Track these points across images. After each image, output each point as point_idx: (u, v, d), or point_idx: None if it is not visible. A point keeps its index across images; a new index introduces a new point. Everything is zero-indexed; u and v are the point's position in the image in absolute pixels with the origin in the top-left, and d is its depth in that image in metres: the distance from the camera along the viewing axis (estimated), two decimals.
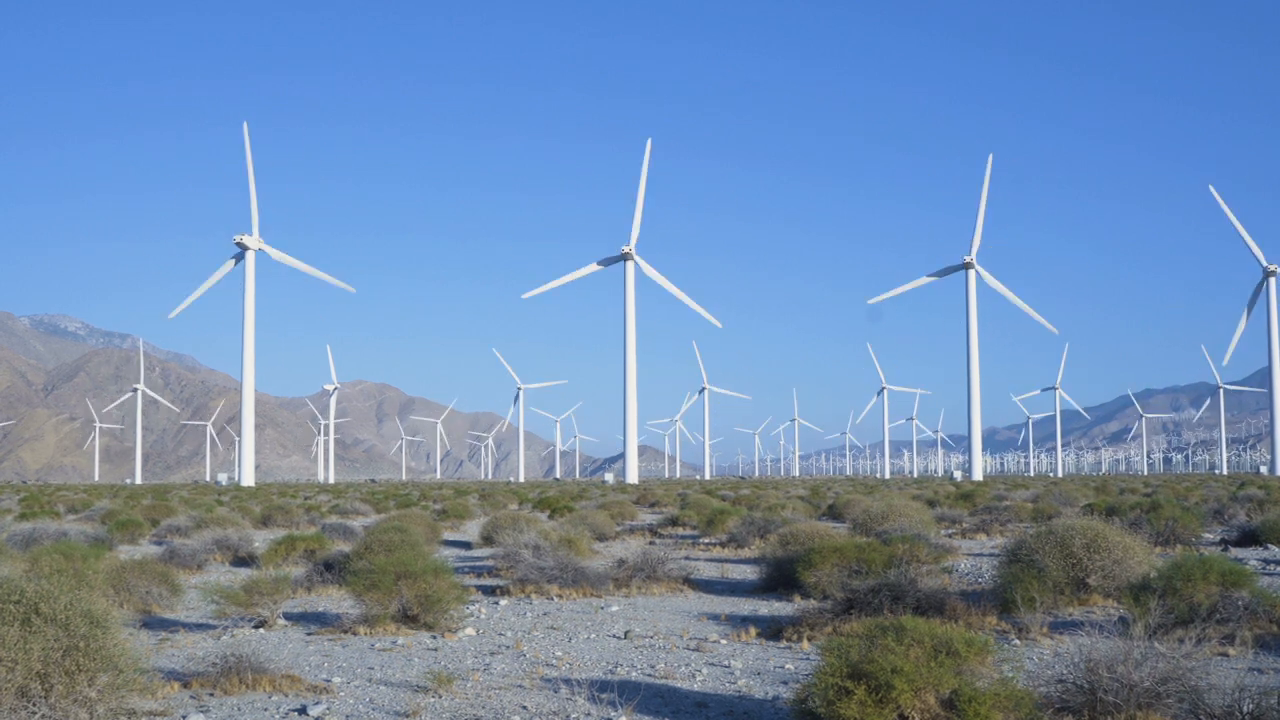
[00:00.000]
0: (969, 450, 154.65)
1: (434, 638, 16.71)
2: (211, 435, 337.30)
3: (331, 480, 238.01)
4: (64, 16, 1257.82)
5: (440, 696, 12.46)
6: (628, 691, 12.51)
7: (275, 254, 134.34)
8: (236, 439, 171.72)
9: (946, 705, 9.36)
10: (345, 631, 17.03)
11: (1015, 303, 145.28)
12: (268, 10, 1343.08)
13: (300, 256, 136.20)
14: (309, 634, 17.18)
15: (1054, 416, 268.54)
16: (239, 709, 12.06)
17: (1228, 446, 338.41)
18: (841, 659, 9.80)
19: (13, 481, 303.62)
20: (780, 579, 21.84)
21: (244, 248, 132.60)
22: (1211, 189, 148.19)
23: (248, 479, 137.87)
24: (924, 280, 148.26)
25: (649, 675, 13.83)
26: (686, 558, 27.67)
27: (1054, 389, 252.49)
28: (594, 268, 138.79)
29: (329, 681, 13.37)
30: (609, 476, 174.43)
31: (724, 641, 16.30)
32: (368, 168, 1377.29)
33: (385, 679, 13.60)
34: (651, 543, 33.48)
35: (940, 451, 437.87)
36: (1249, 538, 30.89)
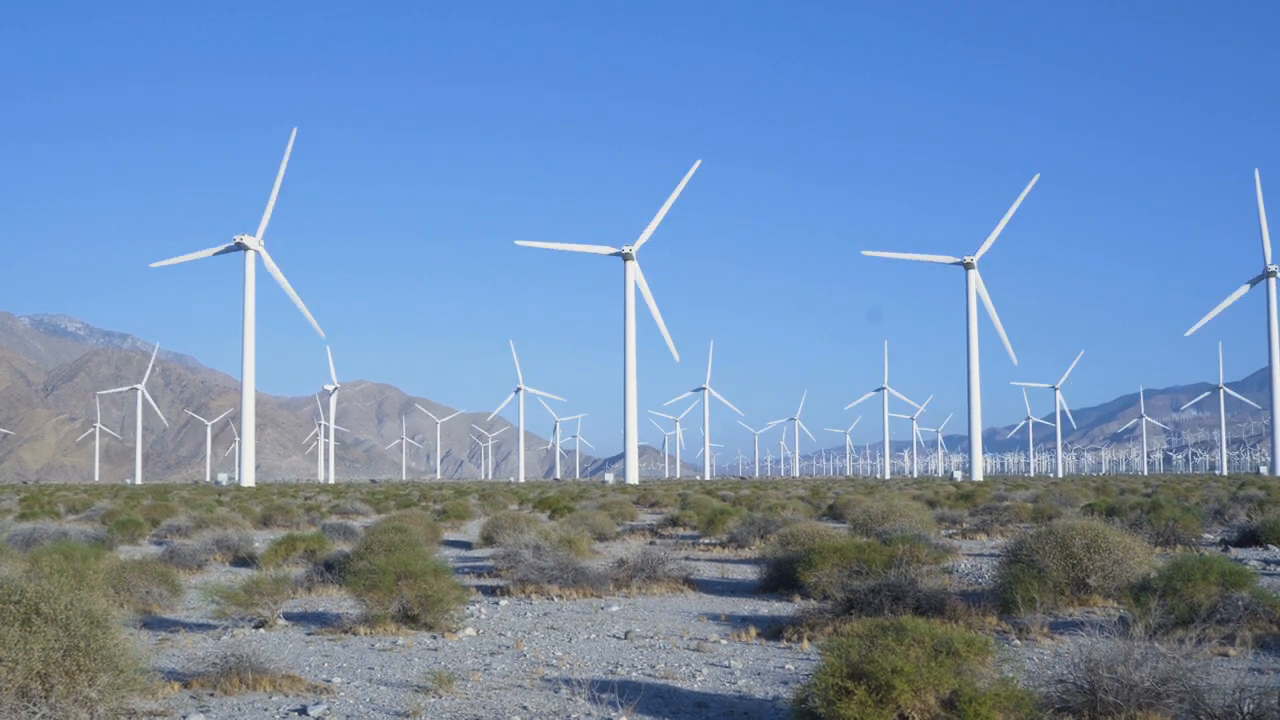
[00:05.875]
0: (969, 450, 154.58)
1: (434, 638, 16.71)
2: (211, 435, 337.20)
3: (331, 480, 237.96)
4: (64, 16, 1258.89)
5: (440, 697, 12.46)
6: (628, 692, 12.51)
7: (271, 265, 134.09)
8: (236, 439, 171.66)
9: (947, 705, 9.36)
10: (345, 631, 17.03)
11: (993, 319, 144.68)
12: (268, 11, 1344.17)
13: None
14: (309, 634, 17.17)
15: (1054, 417, 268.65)
16: (239, 709, 12.05)
17: (1228, 447, 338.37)
18: (841, 659, 9.79)
19: (13, 481, 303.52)
20: (780, 579, 21.83)
21: (243, 247, 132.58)
22: (1256, 173, 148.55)
23: (248, 479, 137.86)
24: (924, 257, 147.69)
25: (649, 675, 13.82)
26: (687, 558, 27.66)
27: (1055, 388, 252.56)
28: (600, 249, 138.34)
29: (329, 681, 13.37)
30: (609, 477, 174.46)
31: (724, 642, 16.30)
32: (368, 168, 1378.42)
33: (385, 679, 13.59)
34: (652, 543, 33.46)
35: (940, 452, 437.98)
36: (1249, 538, 30.88)
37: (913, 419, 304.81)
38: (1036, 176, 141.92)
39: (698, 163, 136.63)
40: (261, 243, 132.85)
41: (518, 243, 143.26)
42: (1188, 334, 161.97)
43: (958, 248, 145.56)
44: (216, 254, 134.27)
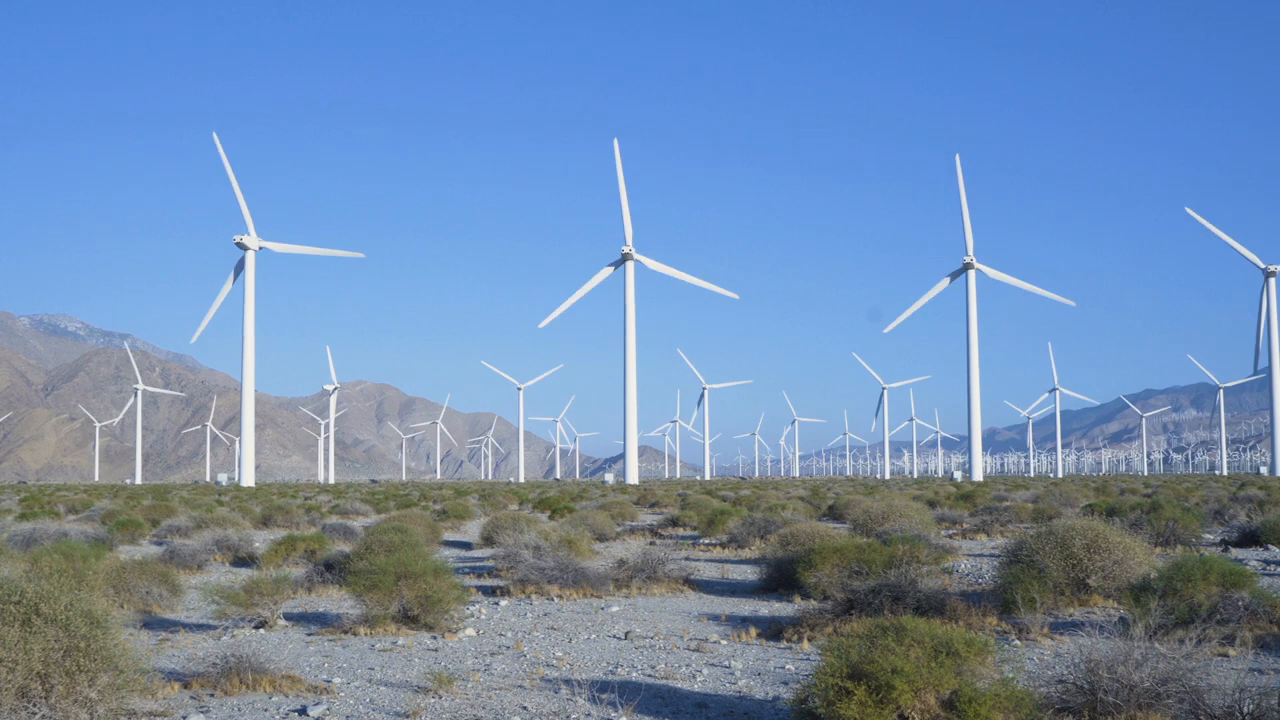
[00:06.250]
0: (969, 451, 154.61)
1: (434, 638, 16.71)
2: (211, 435, 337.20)
3: (332, 480, 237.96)
4: (64, 16, 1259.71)
5: (440, 697, 12.46)
6: (628, 692, 12.51)
7: (278, 247, 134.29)
8: (236, 439, 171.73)
9: (947, 706, 9.36)
10: (345, 632, 17.03)
11: (1025, 288, 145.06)
12: (266, 10, 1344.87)
13: (300, 256, 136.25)
14: (309, 634, 17.17)
15: (1054, 417, 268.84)
16: (239, 709, 12.05)
17: (1228, 447, 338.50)
18: (841, 659, 9.80)
19: (13, 482, 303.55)
20: (780, 579, 21.84)
21: (244, 247, 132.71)
22: (1189, 210, 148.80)
23: (248, 479, 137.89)
24: (934, 292, 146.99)
25: (649, 676, 13.82)
26: (687, 558, 27.67)
27: (1054, 391, 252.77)
28: (606, 272, 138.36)
29: (329, 682, 13.37)
30: (609, 477, 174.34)
31: (724, 642, 16.29)
32: (367, 168, 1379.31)
33: (385, 679, 13.60)
34: (652, 543, 33.47)
35: (940, 452, 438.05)
36: (1249, 538, 30.89)
37: (912, 420, 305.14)
38: (958, 156, 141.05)
39: (615, 141, 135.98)
40: (259, 238, 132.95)
41: (541, 325, 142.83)
42: (1257, 367, 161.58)
43: (955, 247, 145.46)
44: (235, 279, 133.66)
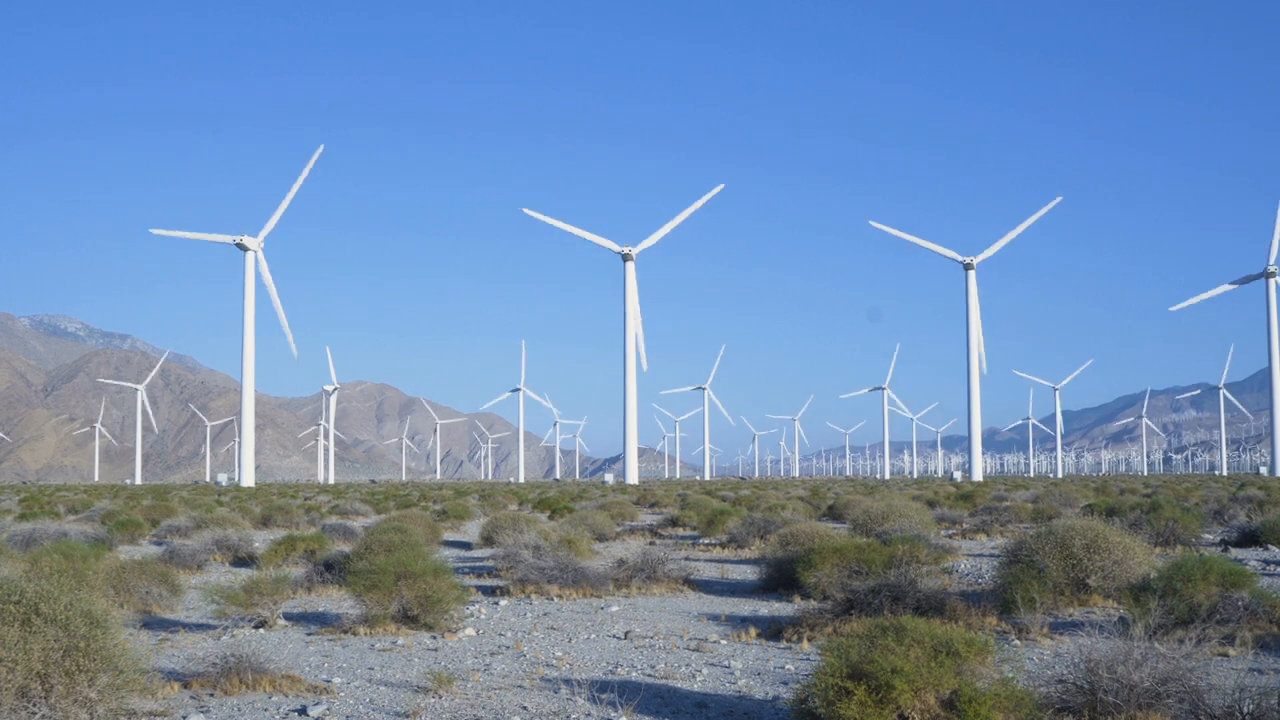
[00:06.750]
0: (969, 451, 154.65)
1: (434, 638, 16.71)
2: (211, 435, 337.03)
3: (331, 481, 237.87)
4: (64, 16, 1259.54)
5: (440, 697, 12.46)
6: (628, 692, 12.51)
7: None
8: (236, 439, 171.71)
9: (946, 705, 9.36)
10: (345, 632, 17.02)
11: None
12: (266, 10, 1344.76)
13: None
14: (309, 634, 17.17)
15: (1054, 417, 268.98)
16: (239, 709, 12.05)
17: (1227, 447, 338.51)
18: (841, 659, 9.80)
19: (13, 482, 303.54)
20: (780, 579, 21.83)
21: (244, 248, 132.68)
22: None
23: (248, 479, 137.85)
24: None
25: (649, 675, 13.82)
26: (686, 558, 27.65)
27: (1055, 388, 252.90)
28: (605, 242, 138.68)
29: (329, 682, 13.36)
30: (609, 477, 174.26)
31: (724, 642, 16.29)
32: (368, 168, 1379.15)
33: (385, 679, 13.59)
34: (651, 543, 33.46)
35: (940, 452, 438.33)
36: (1249, 538, 30.89)
37: (913, 421, 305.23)
38: (1059, 199, 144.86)
39: (719, 187, 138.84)
40: (261, 245, 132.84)
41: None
42: (1172, 309, 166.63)
43: (955, 247, 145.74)
44: (217, 242, 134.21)
